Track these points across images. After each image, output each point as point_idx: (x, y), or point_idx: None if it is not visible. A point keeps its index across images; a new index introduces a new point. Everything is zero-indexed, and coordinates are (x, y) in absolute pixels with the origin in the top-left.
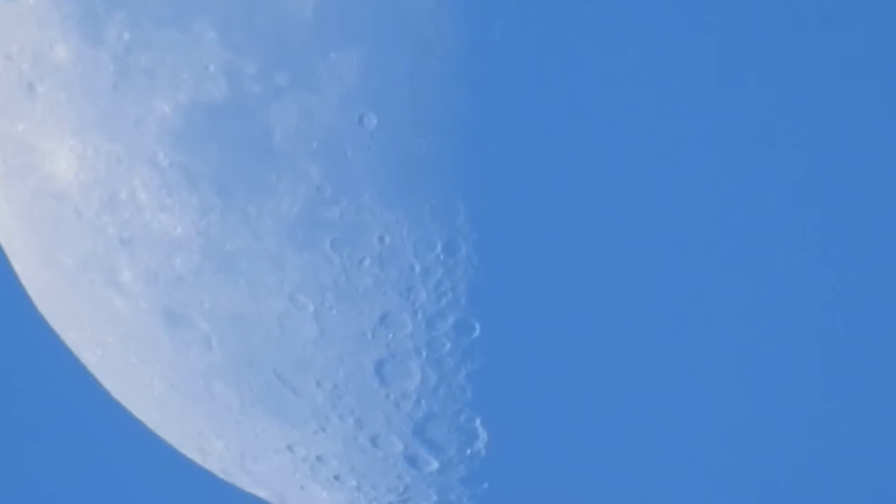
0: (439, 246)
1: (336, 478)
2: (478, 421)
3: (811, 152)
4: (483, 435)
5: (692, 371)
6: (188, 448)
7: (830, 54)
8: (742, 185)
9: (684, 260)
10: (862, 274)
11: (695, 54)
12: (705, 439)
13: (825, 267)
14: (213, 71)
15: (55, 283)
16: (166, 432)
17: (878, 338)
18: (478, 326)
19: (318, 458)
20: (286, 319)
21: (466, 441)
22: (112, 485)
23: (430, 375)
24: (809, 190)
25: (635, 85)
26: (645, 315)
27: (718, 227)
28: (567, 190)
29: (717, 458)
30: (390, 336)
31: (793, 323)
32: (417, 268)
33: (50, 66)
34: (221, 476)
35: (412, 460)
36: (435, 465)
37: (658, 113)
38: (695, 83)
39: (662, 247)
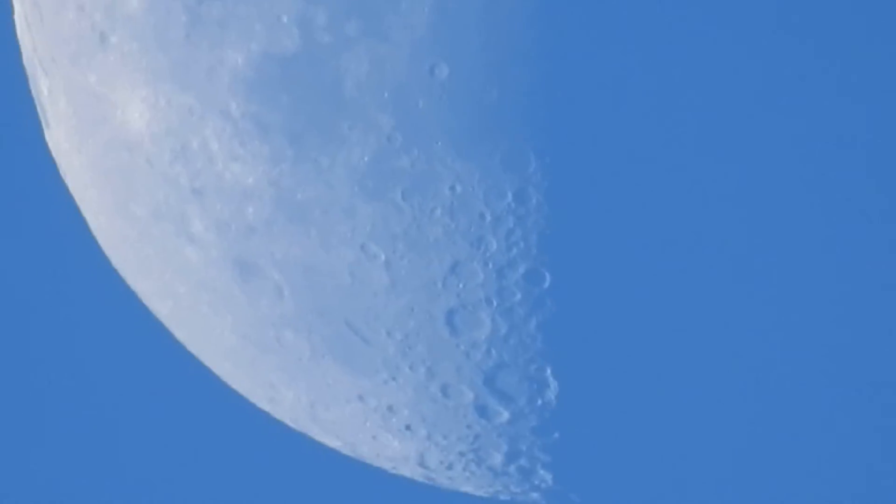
0: (510, 195)
1: (407, 427)
2: (548, 371)
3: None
4: (553, 385)
5: (756, 326)
6: (259, 398)
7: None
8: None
9: (749, 222)
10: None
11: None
12: (762, 396)
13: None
14: (286, 21)
15: (126, 233)
16: (237, 382)
17: None
18: (548, 276)
19: (389, 408)
20: (357, 269)
21: (537, 391)
22: (183, 434)
23: (500, 325)
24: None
25: (712, 32)
26: (715, 262)
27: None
28: (639, 138)
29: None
30: (461, 286)
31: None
32: (488, 217)
33: (122, 17)
34: (292, 426)
35: (482, 410)
36: (505, 415)
37: (736, 76)
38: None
39: (732, 200)
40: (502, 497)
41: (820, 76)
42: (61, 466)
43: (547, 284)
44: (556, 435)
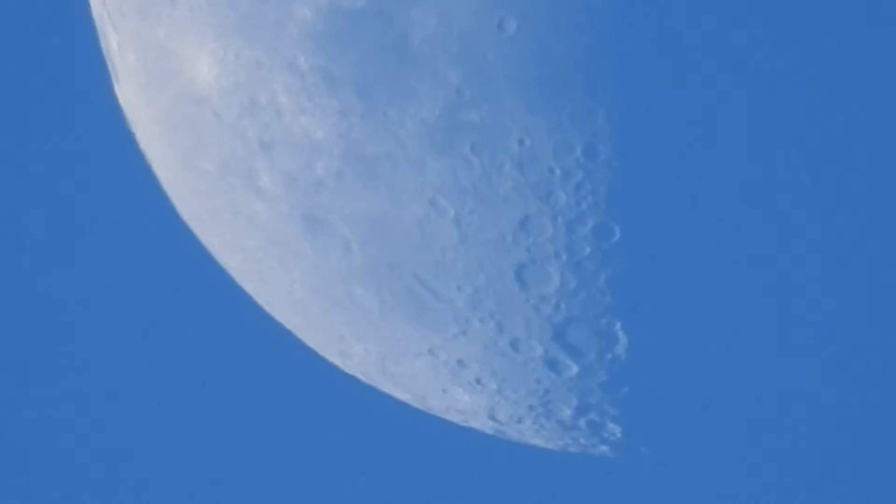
0: (579, 149)
1: (477, 381)
2: (618, 325)
3: None
4: (623, 339)
5: (831, 285)
6: (329, 352)
7: None
8: None
9: (823, 174)
10: None
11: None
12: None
13: None
14: None
15: (195, 187)
16: (308, 336)
17: None
18: (617, 230)
19: (459, 362)
20: (426, 224)
21: (606, 345)
22: (253, 388)
23: (569, 279)
24: None
25: None
26: (788, 212)
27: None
28: (708, 91)
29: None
30: (530, 240)
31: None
32: (557, 171)
33: None
34: (363, 379)
35: (552, 364)
36: (575, 369)
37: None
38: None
39: (803, 152)
40: (572, 450)
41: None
42: (132, 415)
43: (616, 238)
44: (626, 389)
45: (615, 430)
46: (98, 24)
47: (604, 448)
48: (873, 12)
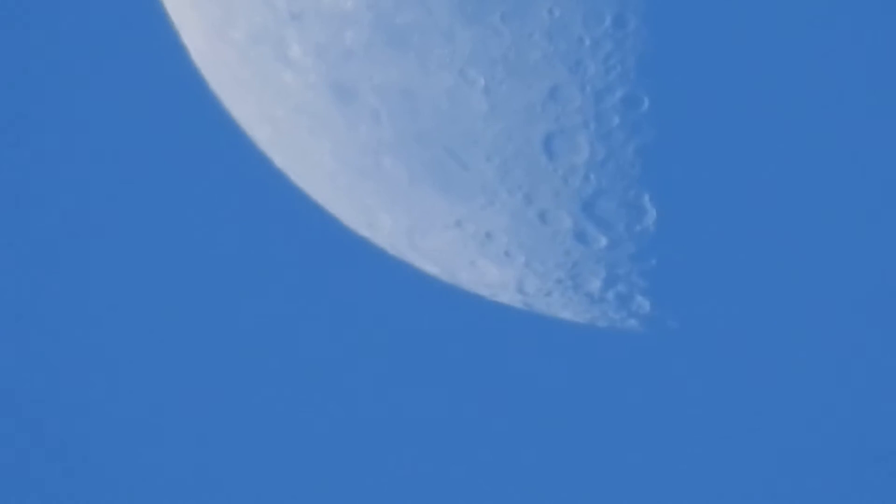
0: (609, 19)
1: (506, 254)
2: (646, 197)
3: None
4: (651, 211)
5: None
6: (358, 224)
7: None
8: None
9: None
10: None
11: None
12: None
13: None
14: None
15: (225, 57)
16: (336, 208)
17: None
18: (646, 100)
19: (487, 235)
20: (456, 94)
21: (635, 217)
22: (281, 260)
23: (598, 150)
24: None
25: None
26: (817, 82)
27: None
28: None
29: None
30: (559, 110)
31: None
32: (587, 41)
33: None
34: (391, 252)
35: (581, 236)
36: (603, 241)
37: None
38: None
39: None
40: (600, 324)
41: None
42: (163, 284)
43: (645, 108)
44: (654, 261)
45: (644, 303)
46: None
47: (632, 322)
48: None
